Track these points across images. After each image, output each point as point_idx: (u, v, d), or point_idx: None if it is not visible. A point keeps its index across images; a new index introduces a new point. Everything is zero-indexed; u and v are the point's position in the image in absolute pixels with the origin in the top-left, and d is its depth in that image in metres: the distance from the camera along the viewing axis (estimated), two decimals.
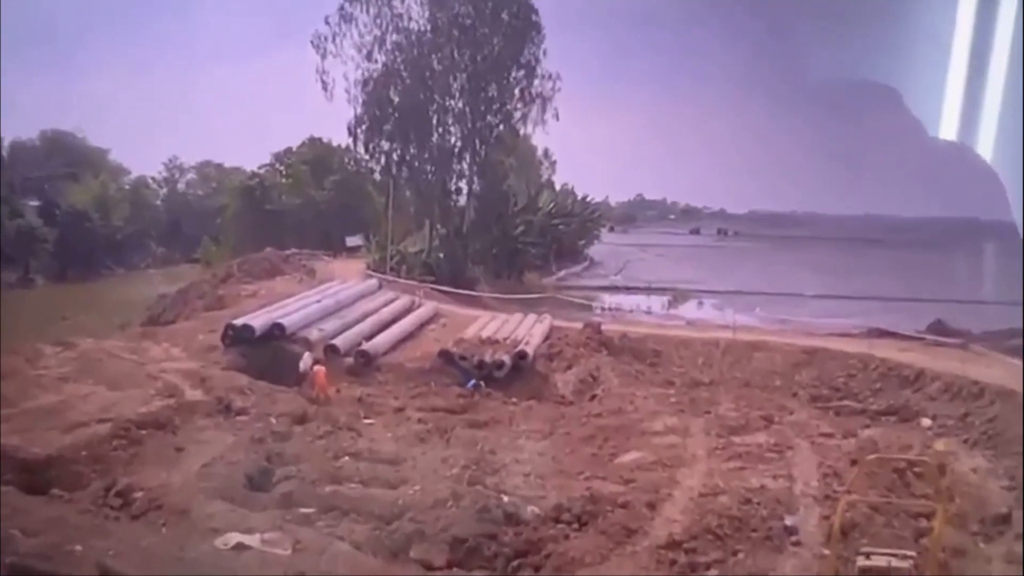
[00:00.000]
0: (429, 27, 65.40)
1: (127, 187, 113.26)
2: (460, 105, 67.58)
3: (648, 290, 79.86)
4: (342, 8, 64.80)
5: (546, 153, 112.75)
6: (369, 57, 65.02)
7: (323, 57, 64.80)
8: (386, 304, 48.01)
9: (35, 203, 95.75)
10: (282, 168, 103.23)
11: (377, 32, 65.08)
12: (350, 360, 38.55)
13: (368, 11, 65.04)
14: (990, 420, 29.22)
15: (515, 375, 37.78)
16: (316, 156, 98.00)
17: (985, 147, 19.44)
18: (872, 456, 22.97)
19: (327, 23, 64.61)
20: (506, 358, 37.75)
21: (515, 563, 19.86)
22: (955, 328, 42.17)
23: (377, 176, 77.06)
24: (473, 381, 36.49)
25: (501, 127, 68.23)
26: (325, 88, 65.00)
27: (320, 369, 34.75)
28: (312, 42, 64.60)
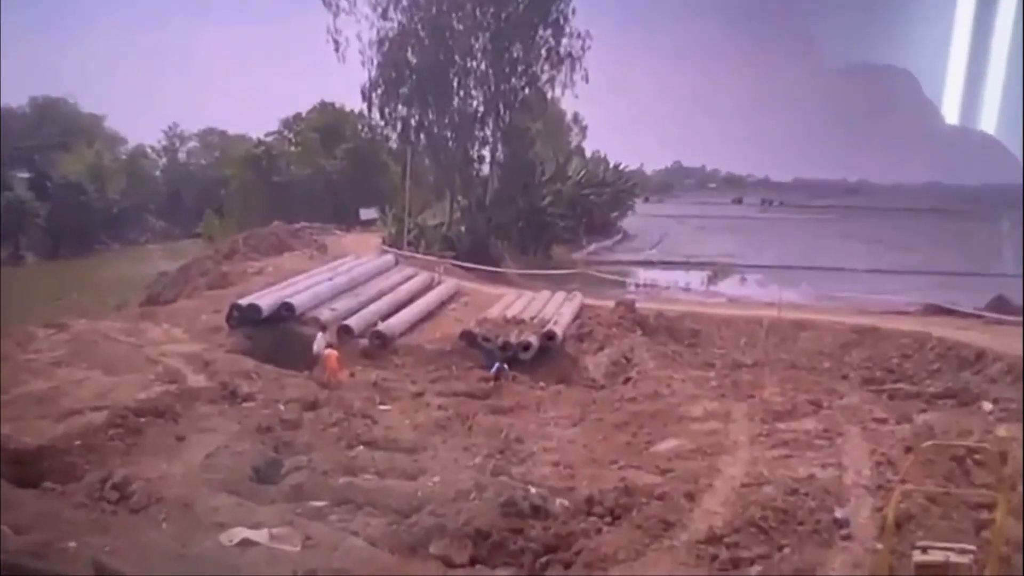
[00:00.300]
0: None
1: (123, 157, 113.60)
2: (482, 67, 67.37)
3: (686, 265, 79.80)
4: None
5: (575, 118, 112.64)
6: (384, 15, 64.84)
7: (335, 15, 64.55)
8: (403, 281, 48.02)
9: (25, 175, 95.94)
10: (291, 136, 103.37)
11: None
12: (364, 342, 38.52)
13: None
14: None
15: (543, 357, 37.72)
16: (327, 123, 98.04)
17: None
18: (928, 443, 22.79)
19: None
20: (533, 339, 37.67)
21: (543, 559, 19.72)
22: (1018, 305, 41.93)
23: (393, 144, 76.93)
24: (497, 364, 36.26)
25: (527, 90, 67.99)
26: (337, 48, 64.85)
27: (332, 352, 34.60)
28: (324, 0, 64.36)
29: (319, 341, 36.08)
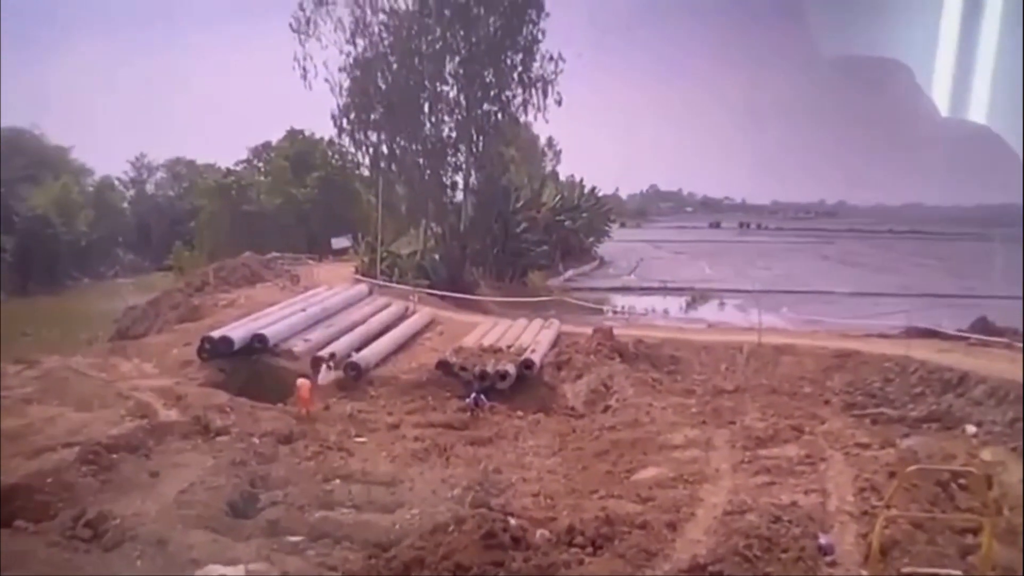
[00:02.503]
0: (417, 5, 65.19)
1: (91, 189, 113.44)
2: (454, 92, 67.45)
3: (664, 290, 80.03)
4: None
5: (550, 143, 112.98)
6: (352, 40, 64.82)
7: (302, 41, 64.52)
8: (377, 311, 48.08)
9: None
10: (260, 165, 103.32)
11: (359, 11, 64.83)
12: (339, 373, 38.55)
13: None
14: None
15: (520, 386, 37.80)
16: (297, 151, 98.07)
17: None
18: (912, 467, 22.95)
19: (301, 8, 64.26)
20: (510, 368, 37.74)
21: None
22: (1001, 326, 42.13)
23: (365, 171, 76.90)
24: (474, 394, 36.28)
25: (499, 115, 68.05)
26: (305, 76, 64.74)
27: (304, 382, 34.42)
28: (290, 24, 64.31)
29: (324, 374, 36.33)
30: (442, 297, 56.71)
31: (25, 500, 23.40)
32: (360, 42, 64.77)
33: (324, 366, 37.17)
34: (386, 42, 65.21)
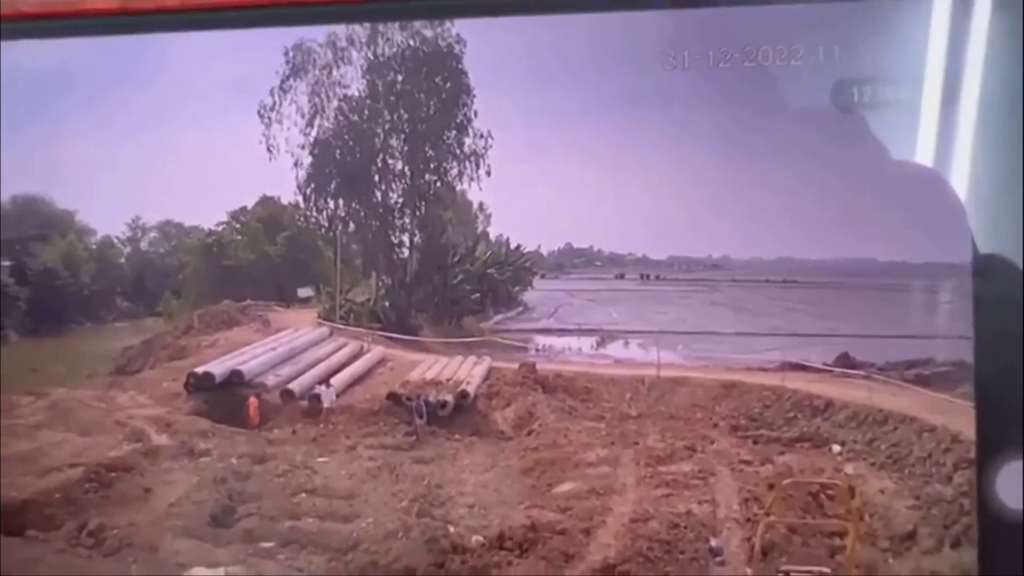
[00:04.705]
0: (368, 92, 64.96)
1: (93, 246, 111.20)
2: (400, 165, 67.18)
3: (578, 332, 79.46)
4: (283, 81, 64.27)
5: (481, 207, 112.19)
6: (310, 123, 64.54)
7: (268, 125, 64.11)
8: (336, 350, 47.78)
9: (7, 263, 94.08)
10: (237, 226, 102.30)
11: (317, 100, 64.57)
12: (305, 403, 38.38)
13: (308, 81, 64.57)
14: (895, 444, 29.40)
15: (457, 414, 37.57)
16: (269, 214, 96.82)
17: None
18: (788, 480, 23.14)
19: (271, 94, 64.04)
20: (449, 398, 37.53)
21: None
22: (860, 360, 42.48)
23: (325, 231, 76.40)
24: (420, 415, 36.31)
25: (438, 184, 67.86)
26: (270, 152, 64.28)
27: (253, 400, 35.26)
28: (258, 112, 63.95)
29: (327, 394, 36.42)
30: (391, 338, 56.24)
31: (35, 513, 23.19)
32: (318, 124, 64.47)
33: (324, 388, 37.21)
34: (342, 124, 64.88)
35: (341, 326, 58.00)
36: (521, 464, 31.08)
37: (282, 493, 26.35)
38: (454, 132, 69.77)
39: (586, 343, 71.27)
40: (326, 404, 36.20)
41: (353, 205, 67.54)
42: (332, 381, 38.74)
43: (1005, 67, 9.89)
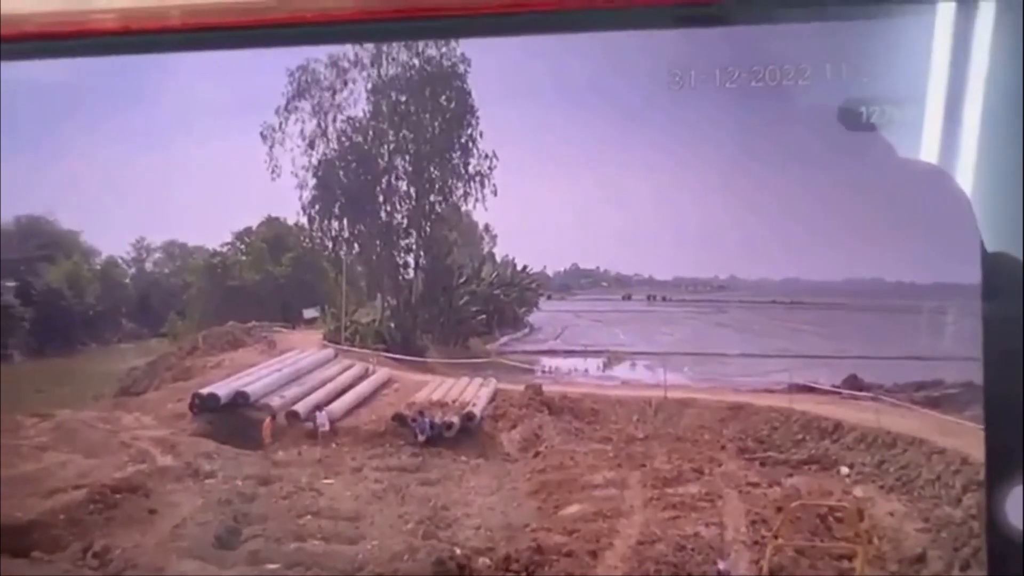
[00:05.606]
0: (372, 113, 64.93)
1: (98, 267, 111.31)
2: (405, 186, 67.15)
3: (585, 353, 79.28)
4: (288, 102, 64.21)
5: (487, 228, 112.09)
6: (313, 145, 64.51)
7: (271, 147, 64.07)
8: (342, 372, 47.76)
9: (12, 284, 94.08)
10: (242, 246, 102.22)
11: (321, 121, 64.52)
12: (310, 424, 38.37)
13: (312, 102, 64.52)
14: (904, 467, 29.36)
15: (463, 435, 37.56)
16: (274, 234, 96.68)
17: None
18: (796, 503, 23.11)
19: (277, 113, 64.04)
20: (455, 419, 37.55)
21: None
22: (868, 382, 42.41)
23: (330, 252, 76.32)
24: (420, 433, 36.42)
25: (443, 205, 67.81)
26: (274, 174, 64.25)
27: (268, 422, 35.74)
28: (262, 133, 63.88)
29: (320, 418, 36.47)
30: (397, 359, 56.25)
31: (41, 534, 23.20)
32: (322, 146, 64.47)
33: (319, 412, 37.30)
34: (346, 145, 64.87)
35: (346, 347, 57.96)
36: (527, 486, 31.02)
37: (287, 515, 26.35)
38: (459, 152, 69.69)
39: (592, 364, 71.07)
40: (319, 427, 36.26)
41: (358, 226, 67.57)
42: (325, 405, 38.77)
43: (1008, 85, 9.90)
